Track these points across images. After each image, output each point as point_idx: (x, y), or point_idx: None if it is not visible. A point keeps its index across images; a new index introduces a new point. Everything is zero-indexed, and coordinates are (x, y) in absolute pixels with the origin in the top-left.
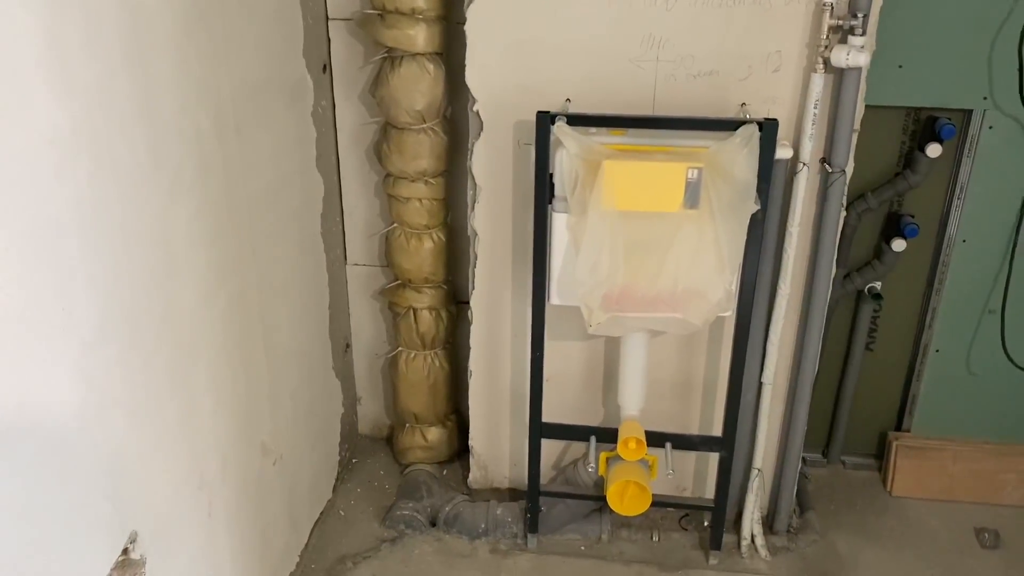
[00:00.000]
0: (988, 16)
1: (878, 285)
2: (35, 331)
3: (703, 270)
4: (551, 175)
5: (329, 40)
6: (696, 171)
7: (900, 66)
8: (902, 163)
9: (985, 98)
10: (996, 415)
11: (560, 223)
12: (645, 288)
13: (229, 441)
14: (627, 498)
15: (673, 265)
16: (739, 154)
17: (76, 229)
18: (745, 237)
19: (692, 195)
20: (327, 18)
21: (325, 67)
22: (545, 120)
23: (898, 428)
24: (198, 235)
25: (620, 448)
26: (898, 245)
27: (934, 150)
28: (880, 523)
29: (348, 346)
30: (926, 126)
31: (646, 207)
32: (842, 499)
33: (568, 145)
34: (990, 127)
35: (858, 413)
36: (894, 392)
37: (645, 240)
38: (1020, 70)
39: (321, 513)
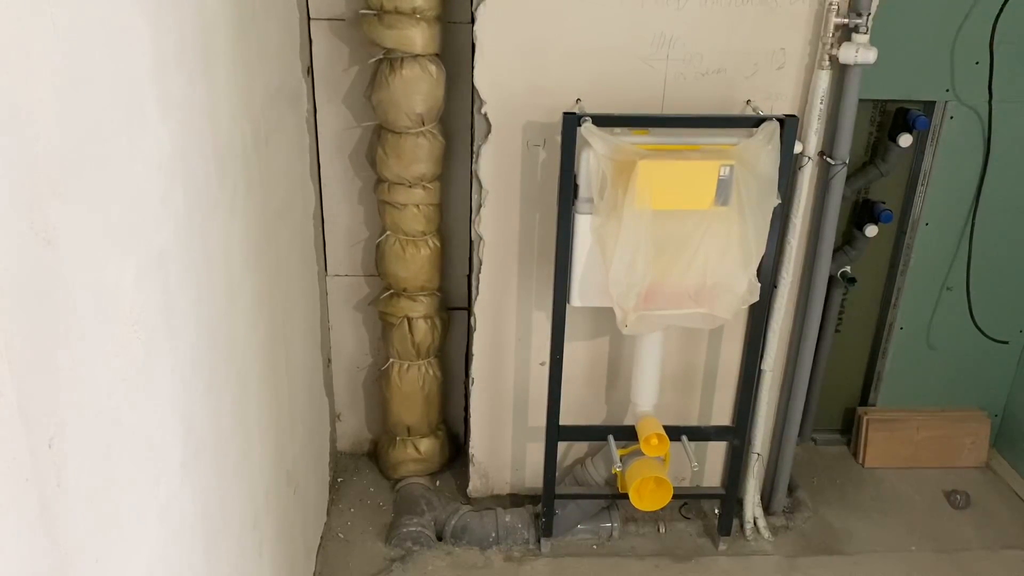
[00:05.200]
0: (950, 13)
1: (849, 269)
2: (150, 376)
3: (730, 264)
4: (575, 176)
5: (311, 42)
6: (728, 168)
7: None
8: (870, 153)
9: (947, 90)
10: (952, 384)
11: (583, 225)
12: (674, 285)
13: (271, 474)
14: (646, 494)
15: (702, 261)
16: (763, 150)
17: (175, 258)
18: (768, 230)
19: (723, 192)
20: (309, 18)
21: (308, 70)
22: (571, 121)
23: (863, 403)
24: (246, 256)
25: (643, 445)
26: (871, 231)
27: (906, 140)
28: (861, 495)
29: (329, 361)
30: (896, 117)
31: (679, 206)
32: (822, 475)
33: (596, 146)
34: (951, 117)
35: (825, 392)
36: (859, 370)
37: (675, 238)
38: (991, 64)
39: (321, 538)
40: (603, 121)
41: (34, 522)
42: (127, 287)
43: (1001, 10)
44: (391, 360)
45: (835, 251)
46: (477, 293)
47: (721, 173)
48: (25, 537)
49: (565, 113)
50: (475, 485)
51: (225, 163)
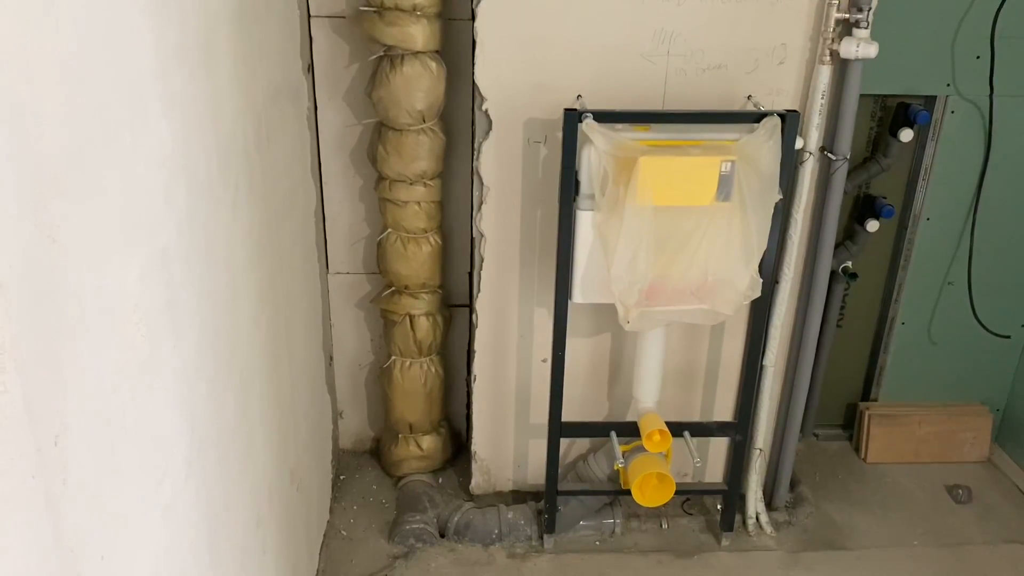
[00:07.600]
0: (951, 8)
1: (850, 265)
2: (154, 373)
3: (732, 260)
4: (576, 173)
5: (312, 39)
6: (729, 164)
7: None
8: (871, 148)
9: (948, 85)
10: (953, 379)
11: (585, 221)
12: (675, 282)
13: (274, 471)
14: (648, 489)
15: (704, 257)
16: (765, 145)
17: (178, 255)
18: (769, 226)
19: (725, 188)
20: (309, 16)
21: (309, 67)
22: (572, 118)
23: (864, 398)
24: (248, 253)
25: (645, 441)
26: (872, 226)
27: (907, 135)
28: (863, 490)
29: (331, 359)
30: (897, 112)
31: (681, 202)
32: (824, 470)
33: (598, 142)
34: (952, 112)
35: (827, 387)
36: (860, 365)
37: (677, 234)
38: (992, 58)
39: (324, 536)
40: (604, 117)
41: (40, 519)
42: (131, 284)
43: (1002, 4)
44: (393, 357)
45: (836, 246)
46: (479, 290)
47: (722, 169)
48: (31, 534)
49: (566, 109)
50: (477, 482)
51: (227, 161)
